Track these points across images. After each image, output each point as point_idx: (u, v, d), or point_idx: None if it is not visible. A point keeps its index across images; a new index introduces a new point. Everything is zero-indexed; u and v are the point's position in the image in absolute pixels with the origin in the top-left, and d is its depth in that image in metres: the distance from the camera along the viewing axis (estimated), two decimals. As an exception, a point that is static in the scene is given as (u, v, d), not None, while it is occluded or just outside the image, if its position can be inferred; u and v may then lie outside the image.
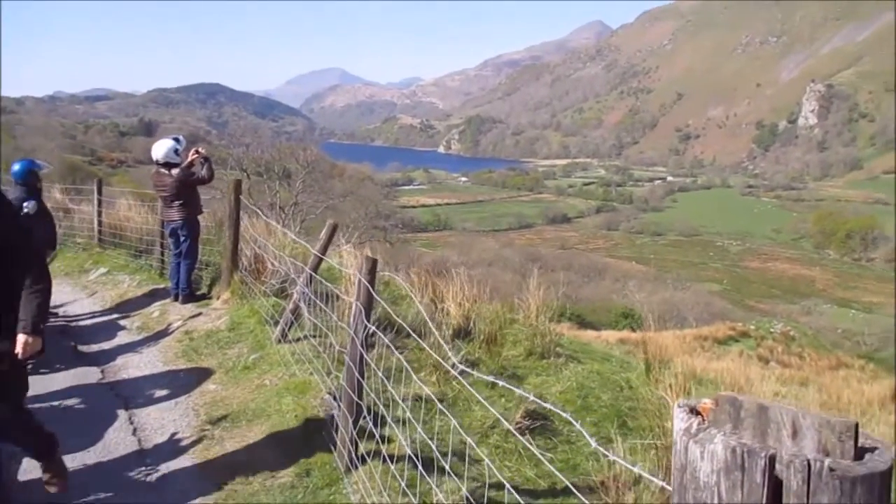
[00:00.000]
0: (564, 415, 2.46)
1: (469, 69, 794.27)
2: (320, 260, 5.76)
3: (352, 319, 4.01)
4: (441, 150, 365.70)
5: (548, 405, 2.79)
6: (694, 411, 1.35)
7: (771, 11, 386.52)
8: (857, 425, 1.24)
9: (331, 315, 5.18)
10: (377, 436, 4.18)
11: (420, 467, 3.65)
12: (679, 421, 1.31)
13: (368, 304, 3.93)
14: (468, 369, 4.08)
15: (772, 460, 1.15)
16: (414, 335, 4.66)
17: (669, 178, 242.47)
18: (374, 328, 4.22)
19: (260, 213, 8.73)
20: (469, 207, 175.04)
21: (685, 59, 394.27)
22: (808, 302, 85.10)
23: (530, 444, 3.74)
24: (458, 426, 3.84)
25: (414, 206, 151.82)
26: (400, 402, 4.29)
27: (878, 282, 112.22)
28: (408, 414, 4.28)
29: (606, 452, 2.00)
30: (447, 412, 4.01)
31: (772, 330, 37.74)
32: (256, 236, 7.96)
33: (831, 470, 1.11)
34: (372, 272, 3.96)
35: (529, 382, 5.95)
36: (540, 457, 4.55)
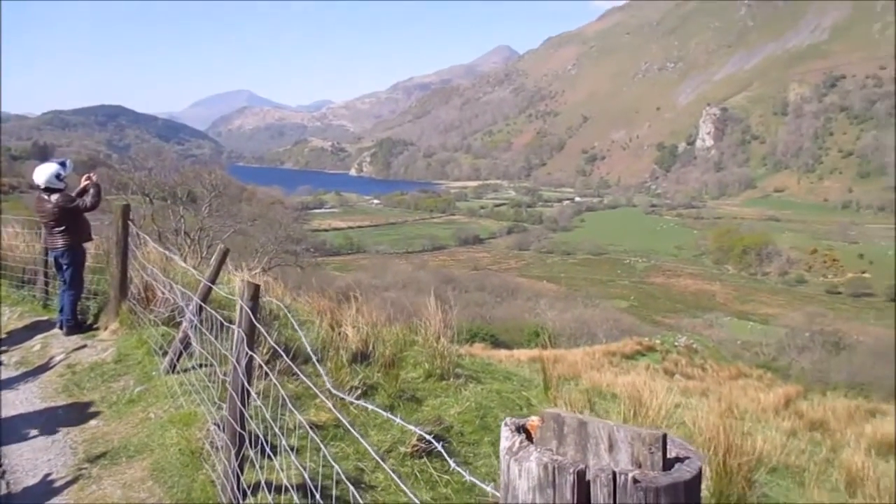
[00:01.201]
0: (436, 444, 2.48)
1: (380, 92, 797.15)
2: (210, 287, 5.56)
3: (233, 347, 3.87)
4: (353, 172, 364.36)
5: (418, 430, 2.74)
6: (521, 429, 1.34)
7: (668, 39, 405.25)
8: (664, 437, 1.23)
9: (216, 344, 4.99)
10: (259, 466, 4.02)
11: (311, 497, 3.53)
12: (504, 440, 1.32)
13: (251, 331, 3.80)
14: (349, 397, 4.00)
15: (580, 475, 1.16)
16: (315, 360, 4.54)
17: (577, 199, 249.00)
18: (257, 356, 4.08)
19: (148, 239, 8.37)
20: (382, 230, 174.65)
21: (589, 83, 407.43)
22: (709, 315, 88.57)
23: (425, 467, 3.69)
24: (368, 446, 3.75)
25: (326, 230, 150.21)
26: (295, 429, 4.16)
27: (772, 294, 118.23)
28: (300, 442, 4.16)
29: (463, 473, 2.01)
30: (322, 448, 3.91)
31: (676, 343, 39.04)
32: (145, 263, 7.64)
33: (636, 482, 1.13)
34: (254, 298, 3.84)
35: (428, 404, 5.90)
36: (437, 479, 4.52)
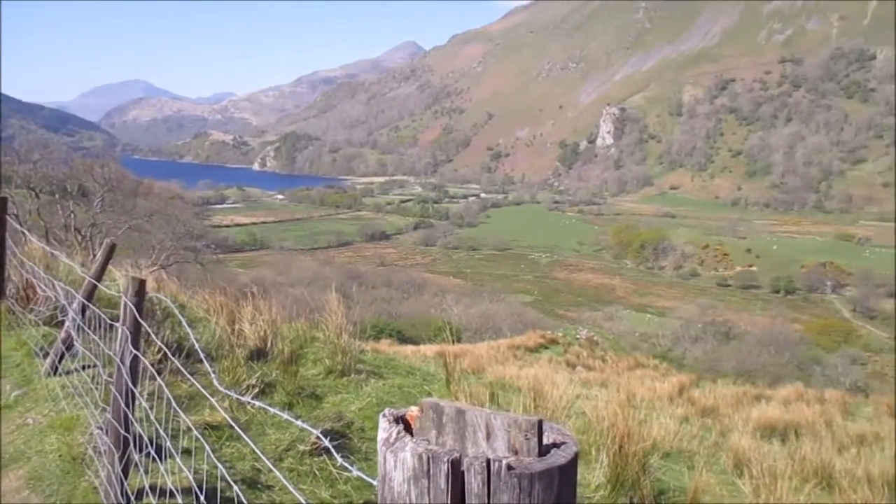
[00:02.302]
0: (326, 442, 2.47)
1: (284, 85, 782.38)
2: (94, 285, 5.27)
3: (118, 346, 3.67)
4: (256, 167, 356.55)
5: (309, 430, 2.67)
6: (399, 420, 1.33)
7: (570, 39, 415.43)
8: (540, 422, 1.20)
9: (101, 345, 4.73)
10: (145, 471, 3.84)
11: (203, 499, 3.38)
12: (381, 431, 1.30)
13: (136, 329, 3.61)
14: (242, 396, 3.87)
15: (455, 464, 1.15)
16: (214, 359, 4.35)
17: (483, 195, 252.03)
18: (146, 355, 3.89)
19: (28, 234, 7.87)
20: (286, 226, 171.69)
21: (494, 81, 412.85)
22: (609, 308, 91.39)
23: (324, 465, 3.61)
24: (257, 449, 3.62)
25: (228, 226, 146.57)
26: (188, 431, 3.99)
27: (667, 288, 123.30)
28: (194, 443, 3.99)
29: (350, 468, 1.99)
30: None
31: (578, 336, 40.05)
32: (24, 260, 7.18)
33: (510, 468, 1.12)
34: (139, 294, 3.65)
35: (328, 401, 5.80)
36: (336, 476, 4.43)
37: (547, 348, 34.71)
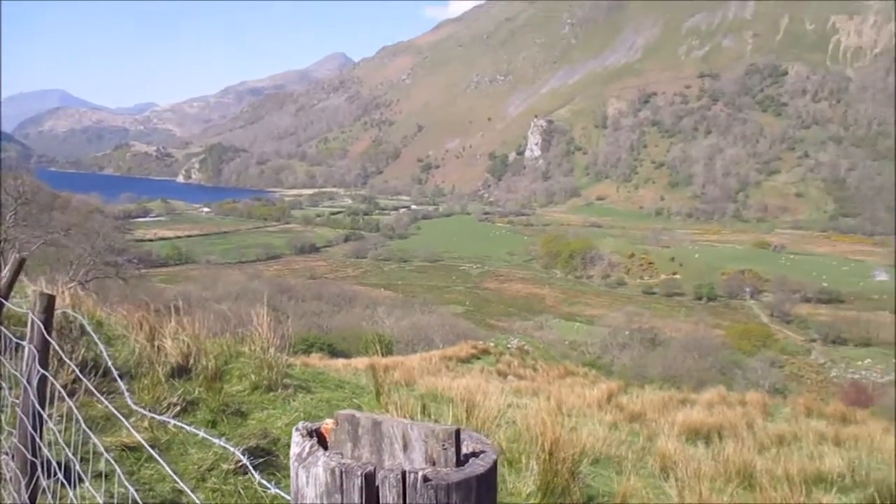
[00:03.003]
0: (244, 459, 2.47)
1: (209, 96, 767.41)
2: (1, 303, 4.99)
3: (25, 366, 3.47)
4: (180, 179, 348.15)
5: (226, 449, 2.57)
6: (313, 434, 1.31)
7: (498, 53, 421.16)
8: (458, 431, 1.17)
9: (7, 365, 4.47)
10: (54, 495, 3.64)
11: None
12: (294, 446, 1.27)
13: (44, 348, 3.42)
14: (162, 416, 3.72)
15: (368, 478, 1.13)
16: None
17: (413, 207, 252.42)
18: (57, 374, 3.69)
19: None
20: (213, 239, 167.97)
21: (424, 93, 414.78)
22: (539, 318, 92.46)
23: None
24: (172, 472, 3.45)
25: (151, 240, 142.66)
26: (105, 453, 3.79)
27: (595, 296, 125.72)
28: (111, 466, 3.80)
29: (268, 485, 1.96)
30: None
31: (509, 346, 40.35)
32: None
33: (426, 480, 1.10)
34: (48, 310, 3.46)
35: (254, 417, 5.64)
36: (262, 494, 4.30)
37: (479, 358, 34.80)
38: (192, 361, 6.17)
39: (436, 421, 5.96)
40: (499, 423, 6.31)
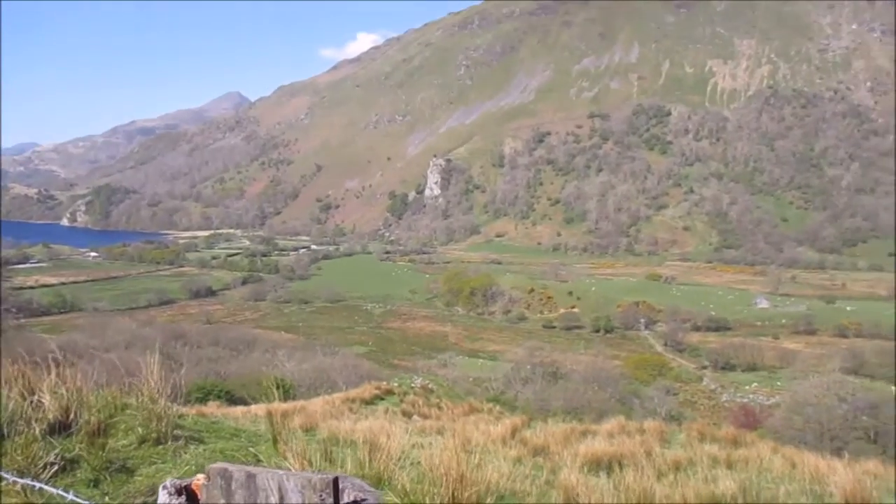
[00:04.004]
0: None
1: (96, 136, 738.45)
2: None
3: None
4: (65, 222, 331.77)
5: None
6: (182, 491, 1.23)
7: (396, 93, 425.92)
8: (336, 480, 1.12)
9: None
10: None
11: None
12: None
13: None
14: (33, 480, 3.42)
15: None
16: None
17: (313, 247, 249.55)
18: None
19: None
20: (101, 285, 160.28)
21: (322, 132, 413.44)
22: (443, 355, 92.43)
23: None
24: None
25: (32, 287, 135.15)
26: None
27: (497, 332, 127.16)
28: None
29: None
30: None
31: (413, 385, 40.04)
32: None
33: None
34: None
35: (142, 473, 5.29)
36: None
37: (383, 399, 34.38)
38: (72, 416, 5.76)
39: (338, 466, 5.79)
40: (402, 464, 6.19)
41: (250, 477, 1.10)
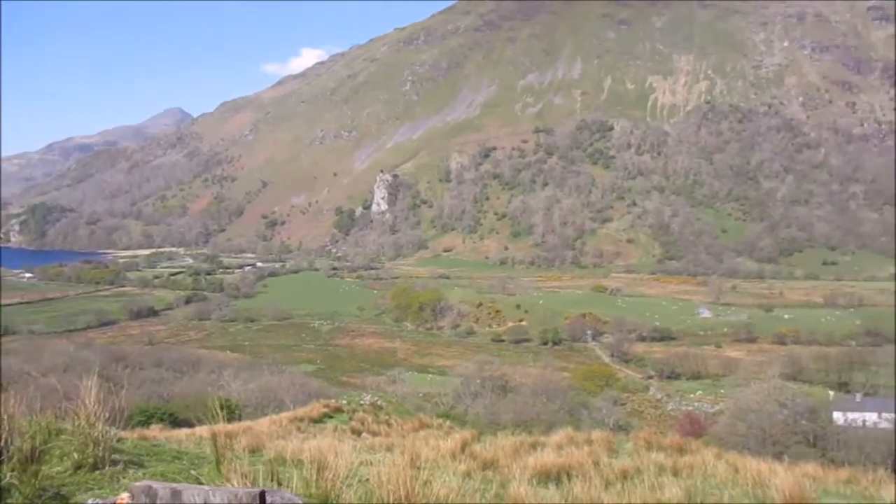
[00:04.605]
0: None
1: (31, 153, 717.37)
2: None
3: None
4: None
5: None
6: None
7: (342, 109, 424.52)
8: (262, 493, 1.10)
9: None
10: None
11: None
12: None
13: None
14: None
15: None
16: None
17: (259, 264, 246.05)
18: None
19: None
20: (36, 307, 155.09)
21: (267, 148, 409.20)
22: (392, 371, 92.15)
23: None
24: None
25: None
26: None
27: (447, 347, 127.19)
28: None
29: None
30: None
31: (362, 402, 39.69)
32: None
33: None
34: None
35: (77, 500, 5.10)
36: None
37: (332, 417, 34.00)
38: (3, 443, 5.53)
39: (285, 486, 5.69)
40: (350, 482, 6.11)
41: (175, 493, 1.07)
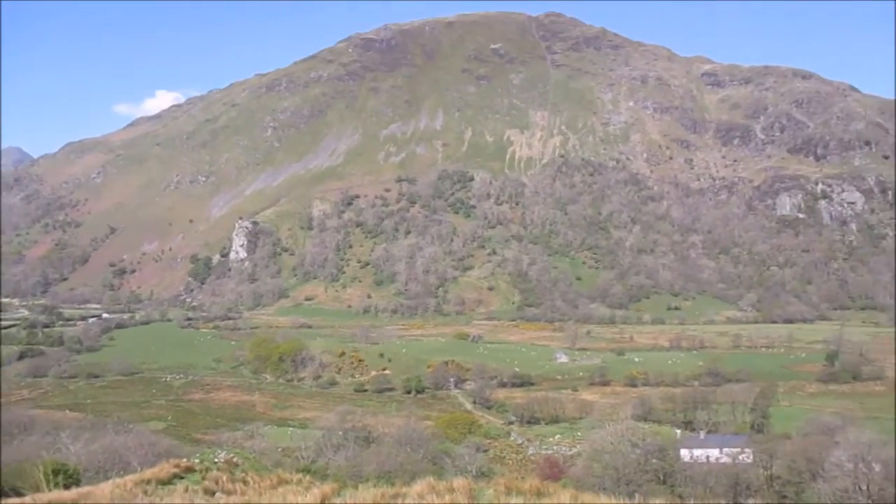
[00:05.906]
0: None
1: None
2: None
3: None
4: None
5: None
6: None
7: (199, 153, 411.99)
8: None
9: None
10: None
11: None
12: None
13: None
14: None
15: None
16: None
17: (105, 315, 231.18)
18: None
19: None
20: None
21: (117, 193, 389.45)
22: (250, 426, 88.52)
23: None
24: None
25: None
26: None
27: (308, 398, 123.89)
28: None
29: None
30: None
31: (216, 460, 37.66)
32: None
33: None
34: None
35: None
36: None
37: (182, 478, 32.06)
38: None
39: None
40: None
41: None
